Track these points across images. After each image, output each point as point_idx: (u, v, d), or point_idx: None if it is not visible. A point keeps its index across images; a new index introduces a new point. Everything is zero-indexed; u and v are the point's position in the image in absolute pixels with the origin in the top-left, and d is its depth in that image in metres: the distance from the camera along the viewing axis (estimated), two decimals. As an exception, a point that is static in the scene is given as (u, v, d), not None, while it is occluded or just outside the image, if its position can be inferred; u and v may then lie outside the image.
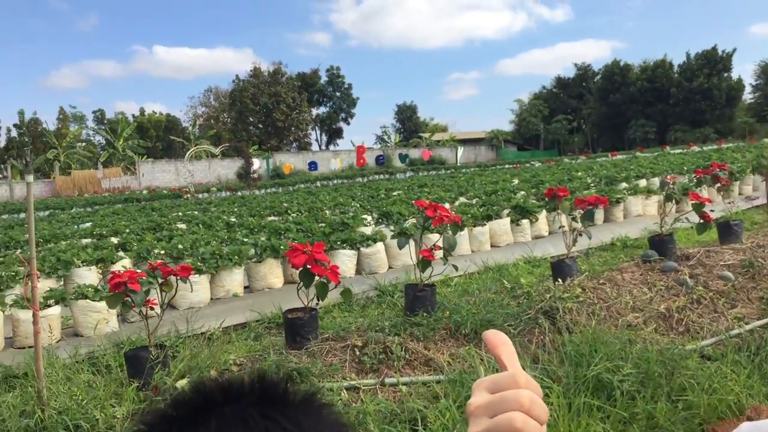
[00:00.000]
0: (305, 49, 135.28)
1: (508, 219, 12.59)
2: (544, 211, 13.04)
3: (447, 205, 14.23)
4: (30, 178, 4.86)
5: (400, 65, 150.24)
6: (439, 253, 6.48)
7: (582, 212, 7.42)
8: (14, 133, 69.44)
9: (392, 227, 11.98)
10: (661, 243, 7.76)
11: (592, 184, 19.51)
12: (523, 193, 18.19)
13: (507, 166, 48.75)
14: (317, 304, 5.66)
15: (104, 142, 68.38)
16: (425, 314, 5.94)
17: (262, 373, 0.71)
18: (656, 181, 18.47)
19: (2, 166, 62.85)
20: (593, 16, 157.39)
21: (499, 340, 0.73)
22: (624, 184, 18.10)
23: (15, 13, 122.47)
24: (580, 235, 7.17)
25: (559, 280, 6.62)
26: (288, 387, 0.71)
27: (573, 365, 4.64)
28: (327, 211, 18.12)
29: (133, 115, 74.56)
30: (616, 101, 67.22)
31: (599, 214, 13.50)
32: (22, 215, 32.88)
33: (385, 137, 76.21)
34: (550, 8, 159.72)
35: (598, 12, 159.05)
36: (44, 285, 8.84)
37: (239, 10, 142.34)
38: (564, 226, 7.45)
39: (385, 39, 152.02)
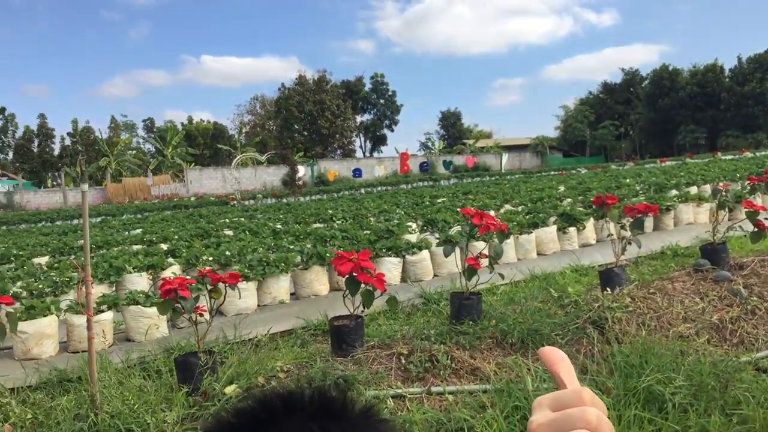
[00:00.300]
0: (349, 56, 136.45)
1: (555, 227, 12.43)
2: (592, 219, 12.84)
3: (492, 213, 14.15)
4: (85, 187, 5.00)
5: (444, 72, 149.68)
6: (484, 261, 6.44)
7: (631, 220, 7.30)
8: (68, 141, 71.79)
9: (437, 235, 11.93)
10: (713, 252, 7.58)
11: (640, 192, 19.14)
12: (569, 200, 17.96)
13: (552, 172, 48.21)
14: (363, 311, 5.68)
15: (154, 149, 69.86)
16: (471, 323, 5.92)
17: (322, 386, 0.72)
18: (707, 189, 18.05)
19: (56, 173, 64.83)
20: (641, 20, 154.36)
21: (557, 356, 0.72)
22: (674, 192, 17.71)
23: (70, 25, 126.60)
24: (629, 243, 7.04)
25: (608, 289, 6.51)
26: (347, 400, 0.72)
27: (623, 376, 4.57)
28: (372, 219, 18.13)
29: (182, 123, 76.19)
30: (665, 106, 65.92)
31: (648, 222, 13.22)
32: (75, 221, 33.81)
33: (429, 144, 76.16)
34: (597, 13, 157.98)
35: (646, 16, 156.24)
36: (97, 290, 9.07)
37: (285, 19, 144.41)
38: (612, 234, 7.33)
39: (429, 45, 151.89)
